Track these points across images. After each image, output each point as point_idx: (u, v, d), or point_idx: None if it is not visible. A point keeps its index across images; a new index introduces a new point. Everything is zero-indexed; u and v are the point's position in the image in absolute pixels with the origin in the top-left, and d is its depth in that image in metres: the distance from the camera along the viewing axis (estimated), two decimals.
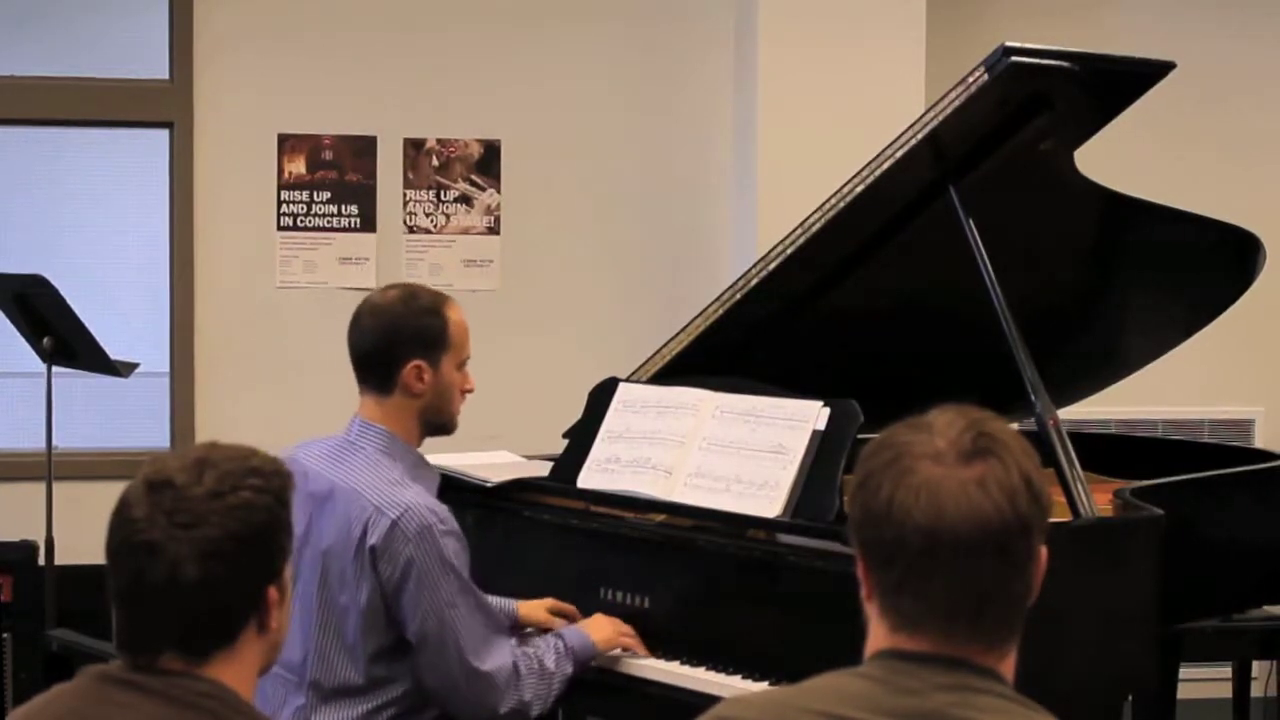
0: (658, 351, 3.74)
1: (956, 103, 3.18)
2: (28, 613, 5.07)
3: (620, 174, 5.78)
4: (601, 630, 3.20)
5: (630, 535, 3.34)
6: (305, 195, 5.64)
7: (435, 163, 5.70)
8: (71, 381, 5.20)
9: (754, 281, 3.59)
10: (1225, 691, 4.80)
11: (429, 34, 5.69)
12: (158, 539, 1.81)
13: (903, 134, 3.29)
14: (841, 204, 3.39)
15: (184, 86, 5.57)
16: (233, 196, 5.61)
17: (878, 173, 3.33)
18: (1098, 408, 4.37)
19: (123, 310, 5.64)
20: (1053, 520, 1.80)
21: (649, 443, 3.37)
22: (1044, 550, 1.72)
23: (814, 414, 3.17)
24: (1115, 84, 3.37)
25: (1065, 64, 3.20)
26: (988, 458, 1.69)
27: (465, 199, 5.73)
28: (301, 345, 5.58)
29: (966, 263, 3.29)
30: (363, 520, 2.99)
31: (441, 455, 3.39)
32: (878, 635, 1.73)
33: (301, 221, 5.64)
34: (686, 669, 3.15)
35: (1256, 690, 5.08)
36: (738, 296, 3.62)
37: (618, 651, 3.22)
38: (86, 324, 4.86)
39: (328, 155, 5.65)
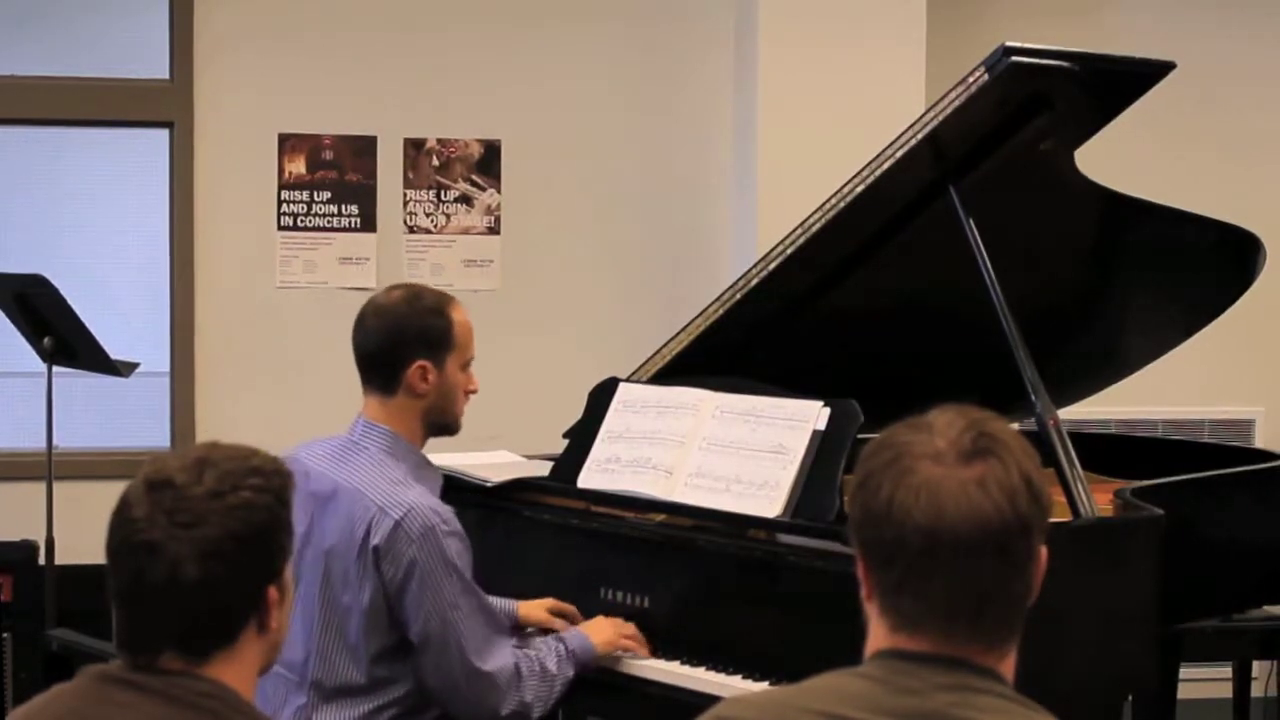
0: (658, 351, 3.74)
1: (957, 103, 3.18)
2: (28, 613, 5.07)
3: (620, 174, 5.78)
4: (602, 633, 3.20)
5: (630, 535, 3.34)
6: (305, 195, 5.64)
7: (435, 163, 5.70)
8: (72, 381, 5.20)
9: (754, 281, 3.59)
10: (1225, 691, 4.80)
11: (429, 34, 5.69)
12: (158, 539, 1.81)
13: (903, 134, 3.29)
14: (842, 204, 3.39)
15: (184, 86, 5.57)
16: (233, 196, 5.61)
17: (878, 173, 3.33)
18: (1098, 408, 4.37)
19: (123, 310, 5.64)
20: (1053, 520, 1.80)
21: (649, 443, 3.37)
22: (1044, 550, 1.72)
23: (814, 414, 3.17)
24: (1115, 84, 3.37)
25: (1065, 64, 3.20)
26: (988, 458, 1.69)
27: (465, 199, 5.73)
28: (302, 345, 5.59)
29: (967, 263, 3.29)
30: (366, 520, 2.99)
31: (442, 455, 3.39)
32: (878, 635, 1.73)
33: (302, 221, 5.64)
34: (686, 669, 3.15)
35: (1257, 690, 5.08)
36: (738, 296, 3.62)
37: (618, 652, 3.22)
38: (87, 324, 4.86)
39: (328, 155, 5.65)
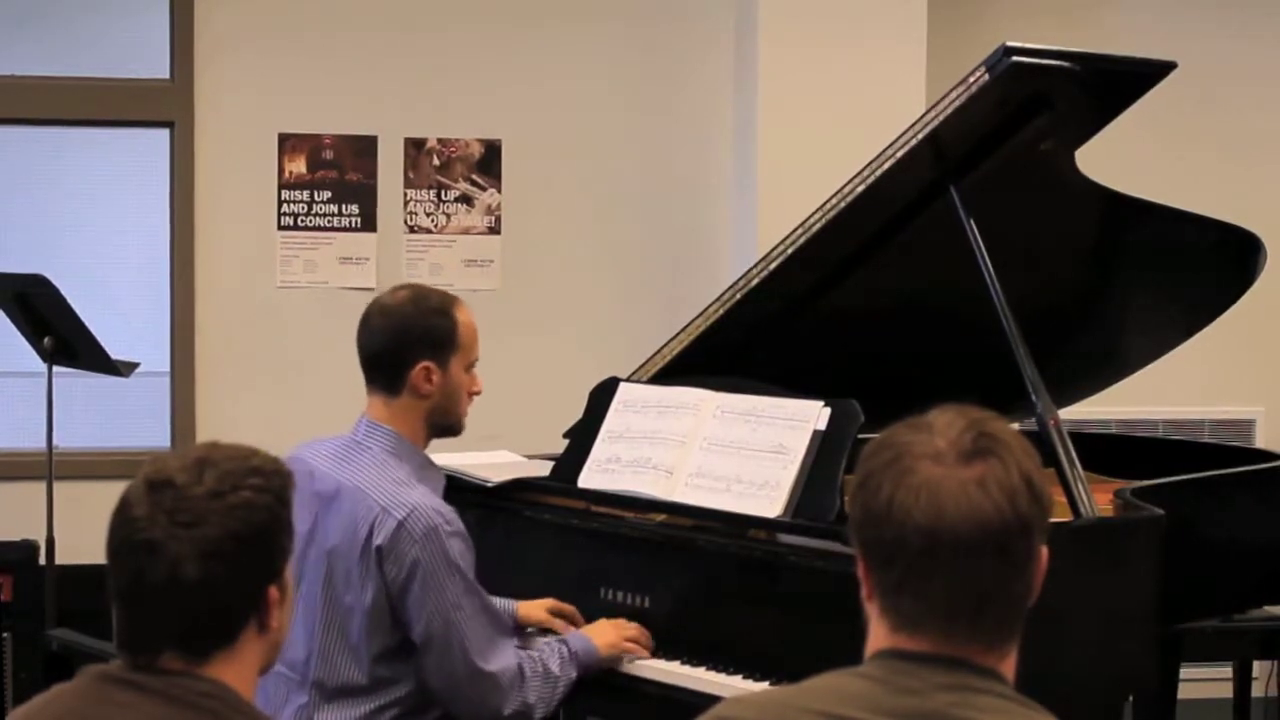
0: (658, 351, 3.74)
1: (957, 102, 3.18)
2: (28, 613, 5.07)
3: (621, 174, 5.78)
4: (605, 636, 3.20)
5: (631, 535, 3.34)
6: (306, 195, 5.64)
7: (436, 162, 5.70)
8: (72, 381, 5.20)
9: (755, 281, 3.59)
10: (1226, 692, 4.80)
11: (429, 34, 5.69)
12: (158, 538, 1.81)
13: (903, 134, 3.29)
14: (842, 204, 3.39)
15: (184, 86, 5.57)
16: (233, 196, 5.61)
17: (878, 173, 3.33)
18: (1098, 408, 4.37)
19: (123, 310, 5.64)
20: (1053, 520, 1.80)
21: (650, 443, 3.37)
22: (1044, 550, 1.72)
23: (815, 414, 3.17)
24: (1116, 84, 3.37)
25: (1066, 64, 3.20)
26: (988, 458, 1.69)
27: (466, 199, 5.73)
28: (302, 345, 5.59)
29: (967, 263, 3.29)
30: (369, 520, 2.99)
31: (442, 455, 3.39)
32: (878, 635, 1.73)
33: (302, 221, 5.64)
34: (687, 669, 3.15)
35: (1257, 690, 5.08)
36: (738, 296, 3.62)
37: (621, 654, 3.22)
38: (87, 323, 4.86)
39: (328, 155, 5.65)
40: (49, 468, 4.95)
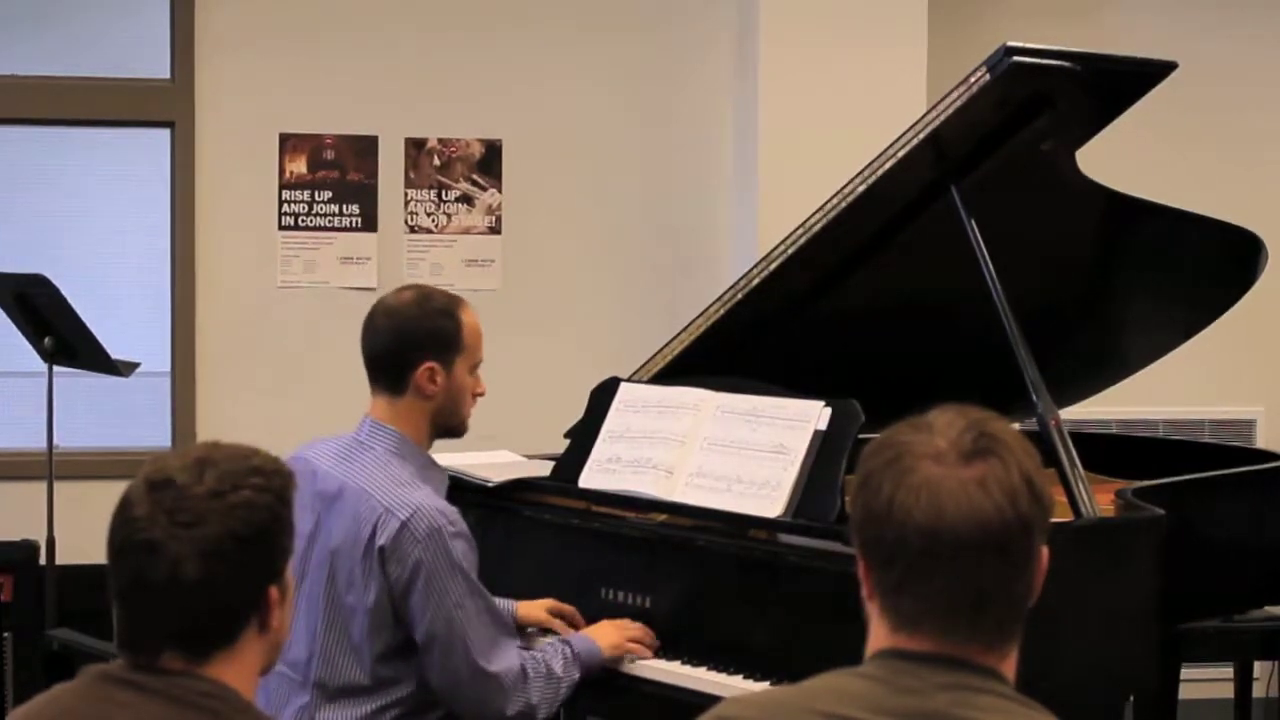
0: (659, 351, 3.74)
1: (958, 103, 3.18)
2: (28, 613, 5.07)
3: (621, 174, 5.78)
4: (608, 637, 3.20)
5: (631, 535, 3.34)
6: (306, 195, 5.64)
7: (437, 162, 5.70)
8: (72, 381, 5.20)
9: (755, 281, 3.59)
10: (1226, 692, 4.79)
11: (430, 34, 5.69)
12: (159, 538, 1.81)
13: (904, 134, 3.29)
14: (843, 204, 3.39)
15: (185, 86, 5.57)
16: (234, 196, 5.61)
17: (879, 173, 3.33)
18: (1098, 408, 4.37)
19: (123, 310, 5.63)
20: (1054, 520, 1.80)
21: (650, 443, 3.37)
22: (1045, 550, 1.72)
23: (815, 414, 3.17)
24: (1117, 84, 3.37)
25: (1067, 64, 3.20)
26: (988, 458, 1.69)
27: (466, 199, 5.73)
28: (303, 345, 5.59)
29: (968, 263, 3.29)
30: (372, 520, 2.99)
31: (443, 455, 3.39)
32: (878, 635, 1.73)
33: (303, 221, 5.64)
34: (687, 669, 3.15)
35: (1258, 691, 5.08)
36: (739, 296, 3.62)
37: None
38: (87, 323, 4.86)
39: (329, 155, 5.65)
40: (49, 468, 4.95)
